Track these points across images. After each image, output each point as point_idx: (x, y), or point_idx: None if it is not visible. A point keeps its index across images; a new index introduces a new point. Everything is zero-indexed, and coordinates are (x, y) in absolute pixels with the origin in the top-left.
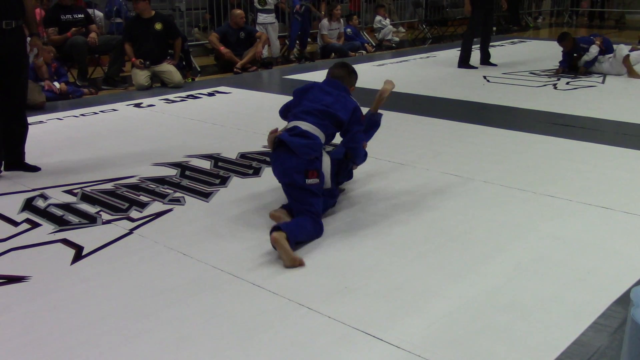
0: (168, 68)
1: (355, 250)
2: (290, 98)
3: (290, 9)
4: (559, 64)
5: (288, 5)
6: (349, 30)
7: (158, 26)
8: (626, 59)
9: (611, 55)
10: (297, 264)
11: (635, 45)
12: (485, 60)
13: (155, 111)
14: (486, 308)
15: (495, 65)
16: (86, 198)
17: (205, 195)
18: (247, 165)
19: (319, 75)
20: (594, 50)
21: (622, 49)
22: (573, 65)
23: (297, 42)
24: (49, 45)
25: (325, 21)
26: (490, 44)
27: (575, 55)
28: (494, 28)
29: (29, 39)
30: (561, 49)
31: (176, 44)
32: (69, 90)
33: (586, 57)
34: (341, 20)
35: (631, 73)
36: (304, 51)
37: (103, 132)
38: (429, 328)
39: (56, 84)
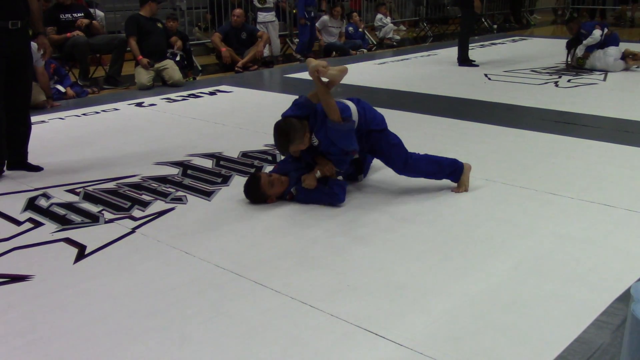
0: (169, 65)
1: (357, 248)
2: (291, 97)
3: (301, 18)
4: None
5: (289, 5)
6: (350, 28)
7: (160, 25)
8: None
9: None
10: None
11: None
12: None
13: (157, 110)
14: (488, 306)
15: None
16: (88, 197)
17: (207, 194)
18: (249, 164)
19: None
20: (597, 33)
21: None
22: (576, 43)
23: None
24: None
25: (325, 17)
26: (490, 42)
27: (576, 42)
28: (495, 26)
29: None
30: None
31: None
32: (76, 91)
33: (590, 41)
34: (343, 20)
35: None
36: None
37: (105, 132)
38: (431, 326)
39: (60, 87)
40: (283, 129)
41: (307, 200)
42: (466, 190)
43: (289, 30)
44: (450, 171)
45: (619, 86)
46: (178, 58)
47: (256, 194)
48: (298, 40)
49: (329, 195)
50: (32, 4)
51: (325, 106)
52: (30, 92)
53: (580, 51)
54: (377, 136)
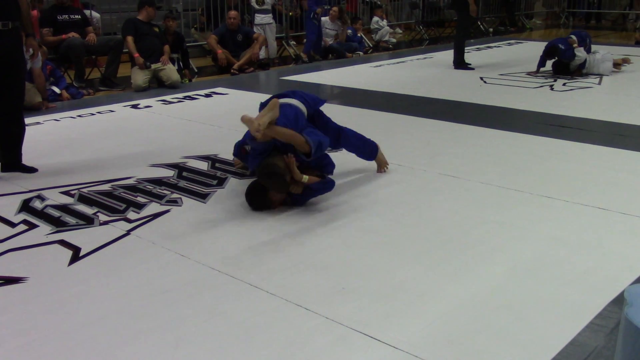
0: (167, 66)
1: (353, 250)
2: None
3: (307, 13)
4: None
5: (285, 7)
6: (349, 31)
7: (157, 29)
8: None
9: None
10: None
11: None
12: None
13: (153, 112)
14: (483, 308)
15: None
16: (83, 199)
17: (203, 197)
18: (244, 166)
19: (315, 77)
20: (581, 54)
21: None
22: (563, 69)
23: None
24: (43, 46)
25: (323, 19)
26: (486, 45)
27: (560, 60)
28: (491, 30)
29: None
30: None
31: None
32: (71, 93)
33: (577, 62)
34: (339, 22)
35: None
36: (316, 55)
37: (100, 133)
38: (427, 328)
39: (56, 89)
40: (271, 172)
41: (308, 197)
42: (387, 166)
43: (285, 32)
44: (372, 149)
45: (613, 90)
46: (175, 65)
47: (262, 201)
48: (306, 40)
49: (323, 188)
50: (22, 6)
51: (290, 141)
52: (23, 93)
53: (573, 67)
54: (319, 112)
